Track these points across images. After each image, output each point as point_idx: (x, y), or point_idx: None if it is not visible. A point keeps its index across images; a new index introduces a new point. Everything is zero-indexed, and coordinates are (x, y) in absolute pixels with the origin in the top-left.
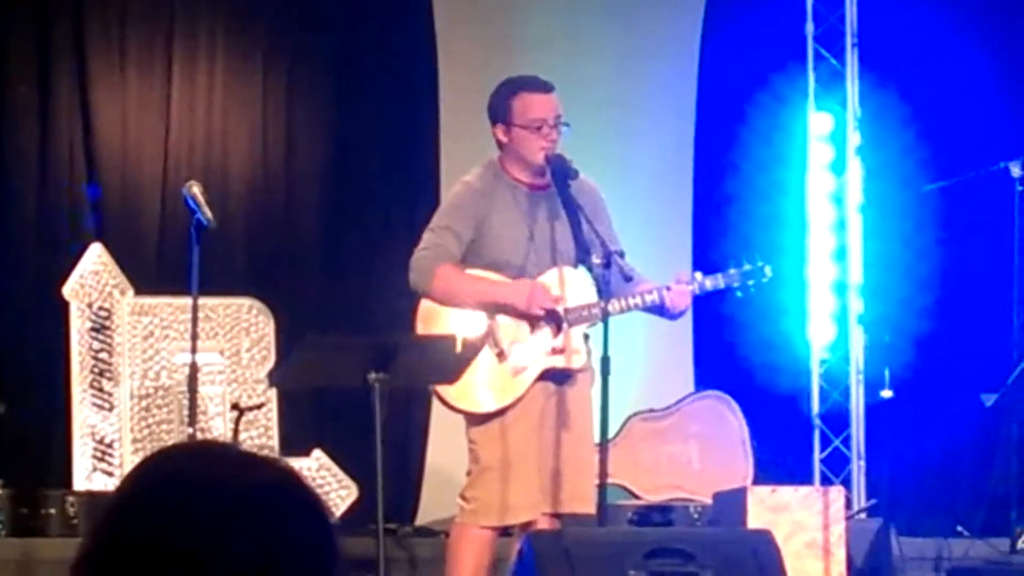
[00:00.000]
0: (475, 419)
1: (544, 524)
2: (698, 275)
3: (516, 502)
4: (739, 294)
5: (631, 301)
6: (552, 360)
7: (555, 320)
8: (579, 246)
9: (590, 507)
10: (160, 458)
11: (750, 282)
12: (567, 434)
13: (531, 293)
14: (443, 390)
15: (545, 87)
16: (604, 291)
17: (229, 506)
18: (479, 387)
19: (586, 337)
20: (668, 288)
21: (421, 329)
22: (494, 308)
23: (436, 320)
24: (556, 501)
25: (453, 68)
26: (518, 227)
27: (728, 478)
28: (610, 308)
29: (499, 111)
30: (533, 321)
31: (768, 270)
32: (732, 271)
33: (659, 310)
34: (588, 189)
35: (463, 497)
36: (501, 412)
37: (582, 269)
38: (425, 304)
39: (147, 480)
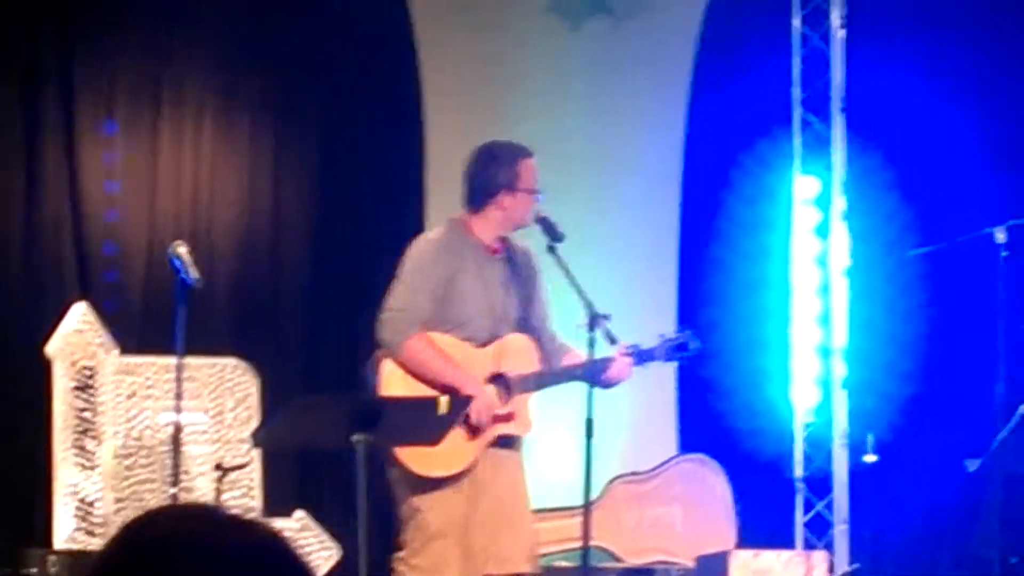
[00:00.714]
0: (420, 485)
1: None
2: (636, 345)
3: (459, 569)
4: (665, 361)
5: (572, 369)
6: (503, 428)
7: (505, 387)
8: (525, 313)
9: (533, 567)
10: (146, 520)
11: (680, 354)
12: (507, 498)
13: (486, 407)
14: (400, 451)
15: (532, 152)
16: (555, 349)
17: (217, 569)
18: (434, 451)
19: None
20: (613, 360)
21: (384, 383)
22: (450, 391)
23: (396, 378)
24: (500, 563)
25: (440, 132)
26: (479, 289)
27: (711, 541)
28: (553, 374)
29: (503, 178)
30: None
31: (693, 344)
32: (660, 344)
33: (596, 380)
34: (530, 259)
35: (405, 562)
36: (451, 479)
37: (526, 335)
38: (389, 363)
39: (133, 542)
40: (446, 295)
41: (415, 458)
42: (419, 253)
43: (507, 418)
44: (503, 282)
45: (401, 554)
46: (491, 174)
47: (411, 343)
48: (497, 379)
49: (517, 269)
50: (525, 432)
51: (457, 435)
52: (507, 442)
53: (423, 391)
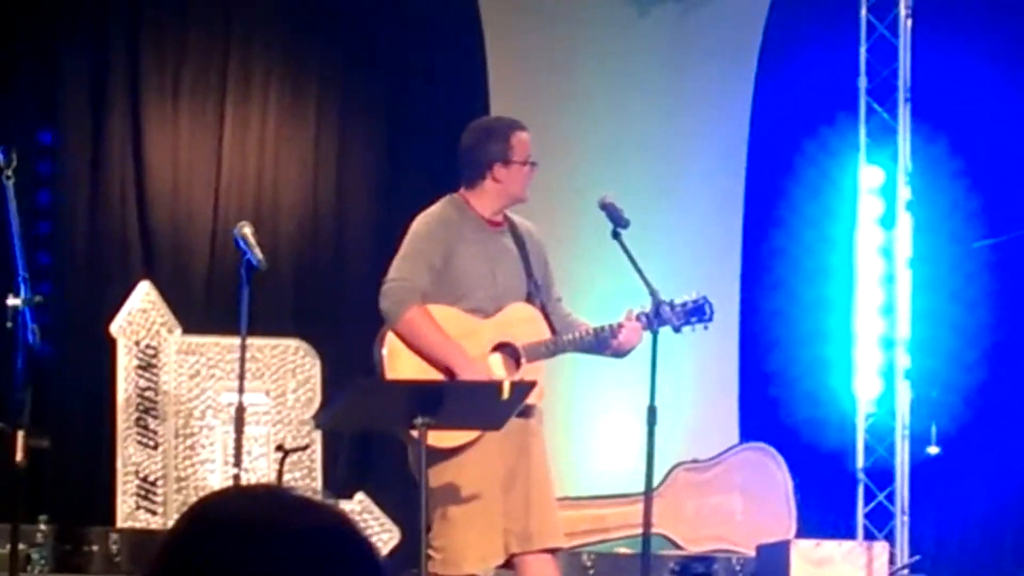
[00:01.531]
0: (437, 467)
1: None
2: (647, 310)
3: (482, 549)
4: (679, 331)
5: (583, 335)
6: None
7: (514, 356)
8: (532, 283)
9: (560, 539)
10: (213, 501)
11: (693, 319)
12: (526, 471)
13: (471, 374)
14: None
15: (524, 126)
16: (564, 321)
17: (285, 550)
18: None
19: None
20: (621, 326)
21: (387, 358)
22: (441, 368)
23: (404, 354)
24: (528, 539)
25: (505, 112)
26: (481, 261)
27: (771, 531)
28: (564, 342)
29: (496, 150)
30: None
31: (708, 308)
32: (678, 308)
33: (607, 346)
34: (537, 236)
35: (432, 547)
36: (459, 449)
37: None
38: (392, 343)
39: (202, 522)
40: (446, 268)
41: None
42: (418, 227)
43: None
44: (506, 255)
45: (429, 537)
46: (484, 148)
47: (409, 314)
48: (504, 348)
49: (521, 243)
50: (536, 400)
51: None
52: (520, 411)
53: (425, 370)
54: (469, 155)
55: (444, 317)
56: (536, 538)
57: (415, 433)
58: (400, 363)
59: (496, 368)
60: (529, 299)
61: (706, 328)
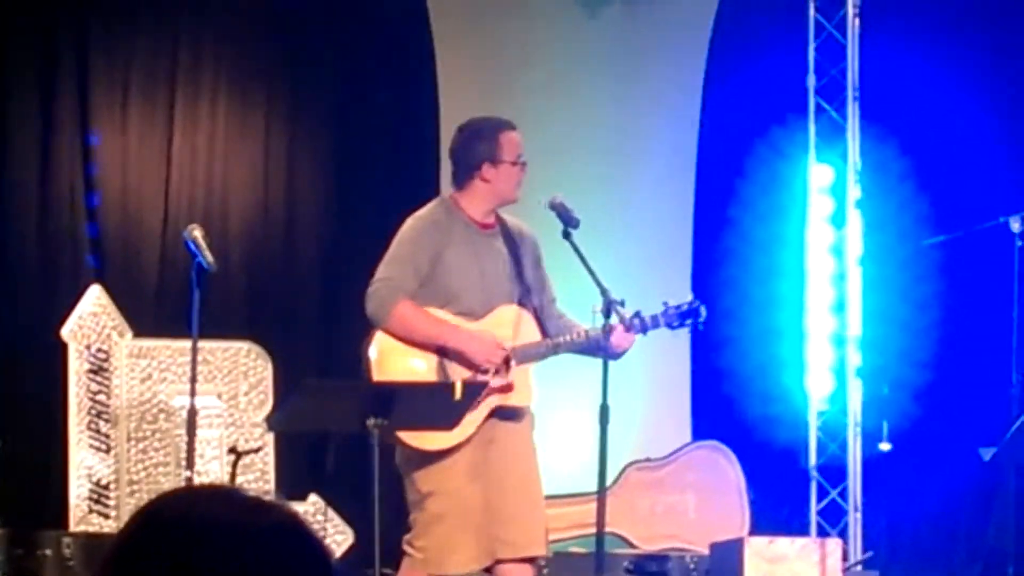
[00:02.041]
0: (417, 460)
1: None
2: (637, 314)
3: (465, 552)
4: (675, 326)
5: (575, 338)
6: (501, 398)
7: (504, 359)
8: (523, 286)
9: (543, 549)
10: (164, 501)
11: (687, 321)
12: (515, 475)
13: (488, 348)
14: None
15: (515, 125)
16: (556, 323)
17: (236, 550)
18: None
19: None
20: (612, 328)
21: (377, 368)
22: (448, 352)
23: (393, 355)
24: (514, 547)
25: (454, 114)
26: (470, 263)
27: (725, 528)
28: (555, 344)
29: (484, 150)
30: (480, 370)
31: (703, 310)
32: (670, 310)
33: (601, 349)
34: (529, 236)
35: (411, 544)
36: (450, 451)
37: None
38: (383, 338)
39: (153, 523)
40: (434, 272)
41: (414, 433)
42: (405, 230)
43: (506, 389)
44: (496, 257)
45: (408, 536)
46: (473, 148)
47: (397, 309)
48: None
49: (513, 245)
50: (526, 403)
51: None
52: (509, 414)
53: (415, 369)
54: (458, 156)
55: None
56: (521, 546)
57: (404, 436)
58: (389, 365)
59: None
60: (520, 302)
61: (700, 329)
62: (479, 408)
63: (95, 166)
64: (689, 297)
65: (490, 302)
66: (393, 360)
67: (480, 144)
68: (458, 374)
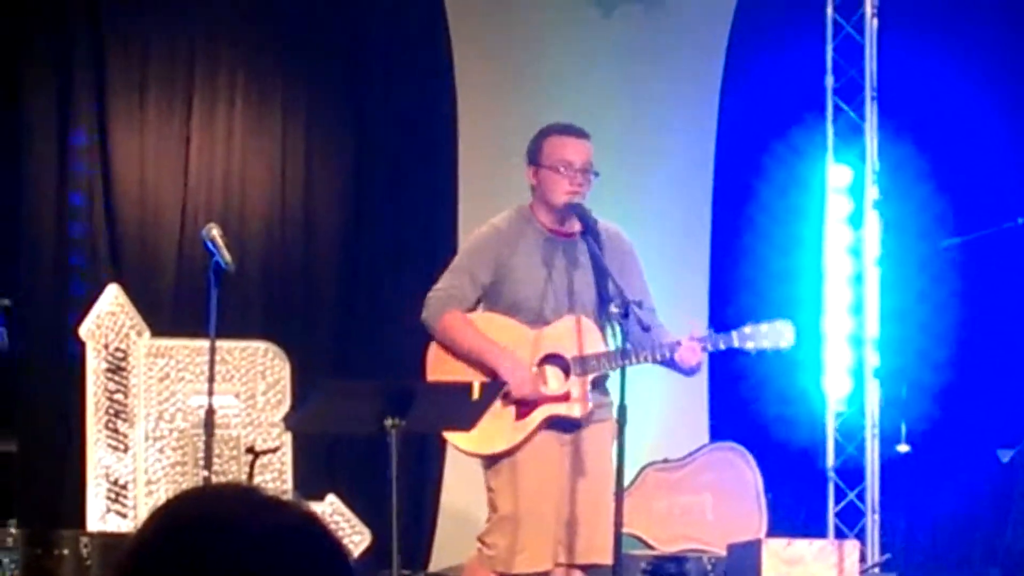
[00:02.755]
0: (486, 462)
1: (559, 574)
2: (710, 332)
3: (532, 552)
4: (754, 354)
5: (642, 356)
6: (555, 408)
7: (563, 368)
8: (600, 296)
9: (606, 557)
10: (183, 500)
11: (765, 343)
12: (583, 484)
13: (520, 378)
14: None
15: (578, 133)
16: (625, 341)
17: (252, 549)
18: (481, 428)
19: (598, 384)
20: (679, 343)
21: (430, 369)
22: (484, 369)
23: (445, 362)
24: (572, 552)
25: (471, 114)
26: (538, 271)
27: (742, 530)
28: (622, 361)
29: (532, 152)
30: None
31: (789, 333)
32: (747, 329)
33: (672, 364)
34: (616, 242)
35: (482, 541)
36: (505, 454)
37: (594, 320)
38: (436, 348)
39: (171, 521)
40: (500, 278)
41: (463, 434)
42: (473, 238)
43: (562, 398)
44: (571, 266)
45: (481, 532)
46: (527, 152)
47: (444, 320)
48: (554, 359)
49: (597, 254)
50: (579, 414)
51: (506, 414)
52: (566, 425)
53: (466, 373)
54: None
55: (493, 325)
56: (583, 553)
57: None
58: (439, 372)
59: (547, 378)
60: (600, 311)
61: (781, 353)
62: (532, 415)
63: (113, 166)
64: (777, 324)
65: (559, 310)
66: (441, 366)
67: (531, 147)
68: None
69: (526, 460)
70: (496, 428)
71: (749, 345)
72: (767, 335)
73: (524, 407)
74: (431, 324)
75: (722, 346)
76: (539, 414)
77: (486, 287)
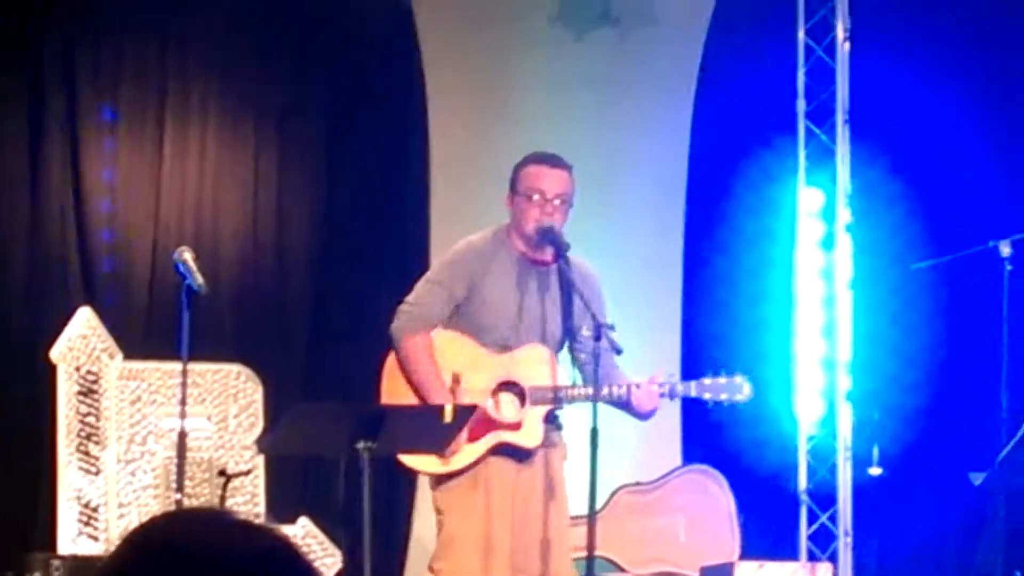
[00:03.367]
0: (434, 482)
1: None
2: (674, 378)
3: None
4: (710, 405)
5: (599, 393)
6: (507, 435)
7: (519, 396)
8: (566, 327)
9: None
10: (153, 525)
11: (723, 396)
12: (537, 509)
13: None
14: None
15: (554, 162)
16: (596, 369)
17: (227, 573)
18: None
19: (555, 419)
20: (637, 386)
21: (386, 377)
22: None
23: (399, 377)
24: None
25: (444, 139)
26: (508, 295)
27: (714, 552)
28: (574, 393)
29: (511, 179)
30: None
31: (747, 388)
32: (708, 380)
33: (627, 407)
34: (583, 271)
35: (431, 569)
36: (454, 474)
37: (554, 352)
38: (393, 360)
39: (143, 546)
40: (471, 298)
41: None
42: (451, 254)
43: (514, 427)
44: (541, 295)
45: (431, 559)
46: (510, 178)
47: (409, 341)
48: (511, 387)
49: (569, 286)
50: (531, 444)
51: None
52: (518, 454)
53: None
54: None
55: (455, 345)
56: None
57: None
58: (395, 383)
59: (504, 406)
60: (565, 340)
61: (735, 408)
62: (482, 440)
63: (85, 188)
64: (737, 379)
65: (523, 338)
66: (397, 378)
67: (511, 175)
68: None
69: (475, 482)
70: None
71: (707, 396)
72: (725, 388)
73: (476, 430)
74: (395, 339)
75: (679, 392)
76: (491, 439)
77: (459, 302)
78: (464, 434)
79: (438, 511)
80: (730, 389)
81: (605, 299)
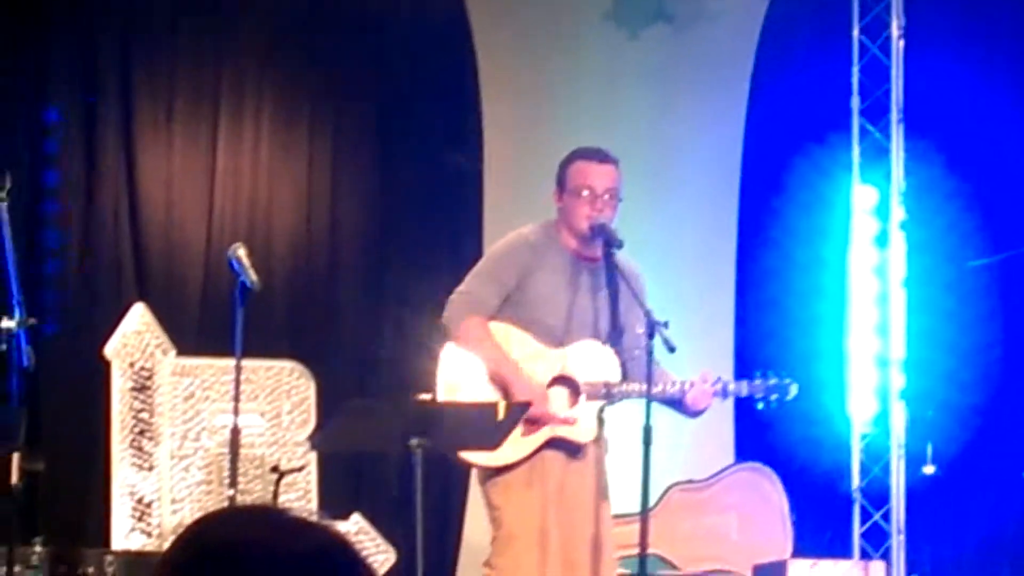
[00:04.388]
0: (488, 474)
1: None
2: (724, 377)
3: (540, 573)
4: (760, 406)
5: (652, 390)
6: (561, 430)
7: (574, 390)
8: (614, 324)
9: None
10: (209, 522)
11: (773, 396)
12: (584, 508)
13: (532, 397)
14: None
15: (601, 157)
16: (649, 364)
17: (282, 571)
18: None
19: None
20: (691, 384)
21: (442, 373)
22: (496, 380)
23: (456, 368)
24: (568, 571)
25: (497, 133)
26: (559, 291)
27: (767, 551)
28: (628, 389)
29: (558, 176)
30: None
31: (794, 388)
32: (757, 381)
33: (678, 405)
34: (633, 271)
35: (488, 564)
36: (507, 468)
37: (609, 347)
38: (449, 352)
39: (197, 544)
40: (522, 291)
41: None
42: (501, 245)
43: (568, 422)
44: (592, 291)
45: (488, 556)
46: (557, 174)
47: (464, 325)
48: (565, 382)
49: (616, 282)
50: (585, 439)
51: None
52: (571, 449)
53: (476, 383)
54: None
55: (511, 336)
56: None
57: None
58: (449, 375)
59: (555, 399)
60: (612, 339)
61: (783, 407)
62: (537, 434)
63: (140, 186)
64: (787, 381)
65: (573, 333)
66: (458, 372)
67: (558, 171)
68: (524, 395)
69: (530, 477)
70: None
71: (757, 395)
72: (775, 388)
73: (531, 424)
74: (450, 327)
75: (731, 391)
76: (545, 433)
77: (511, 294)
78: (519, 429)
79: (493, 507)
80: (779, 390)
81: (647, 296)
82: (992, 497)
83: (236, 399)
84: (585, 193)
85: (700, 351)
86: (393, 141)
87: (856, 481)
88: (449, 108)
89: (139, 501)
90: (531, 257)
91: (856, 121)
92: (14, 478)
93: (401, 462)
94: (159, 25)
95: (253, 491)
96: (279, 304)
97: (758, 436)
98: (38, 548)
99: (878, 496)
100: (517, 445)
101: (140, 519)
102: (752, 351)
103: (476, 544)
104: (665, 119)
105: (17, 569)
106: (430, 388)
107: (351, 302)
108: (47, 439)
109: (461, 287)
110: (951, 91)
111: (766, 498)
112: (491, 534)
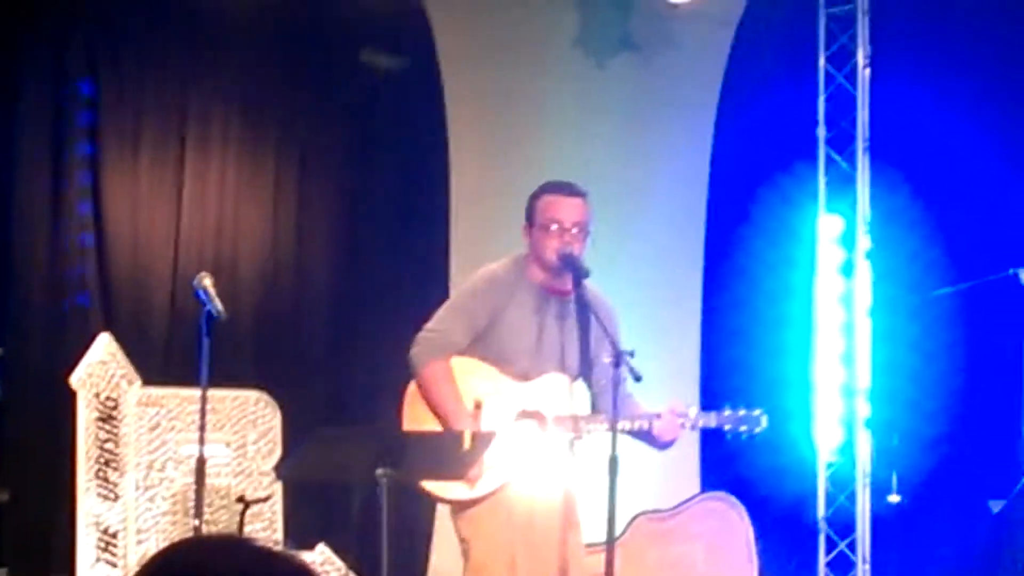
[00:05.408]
0: (464, 515)
1: None
2: (692, 409)
3: None
4: (728, 437)
5: (620, 425)
6: (527, 464)
7: (541, 424)
8: (583, 357)
9: None
10: (175, 551)
11: (743, 428)
12: (552, 539)
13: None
14: None
15: (570, 191)
16: (614, 394)
17: None
18: None
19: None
20: (659, 416)
21: (407, 407)
22: (445, 425)
23: (421, 404)
24: None
25: (464, 163)
26: (527, 325)
27: None
28: (595, 424)
29: (527, 210)
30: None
31: (764, 420)
32: (727, 412)
33: (647, 436)
34: (602, 302)
35: None
36: (475, 502)
37: (578, 381)
38: (414, 388)
39: (166, 572)
40: (492, 328)
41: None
42: (472, 283)
43: (535, 454)
44: (560, 326)
45: None
46: (525, 208)
47: (428, 367)
48: (532, 416)
49: (587, 318)
50: (551, 473)
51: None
52: (537, 480)
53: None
54: None
55: (478, 371)
56: None
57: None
58: (415, 415)
59: (522, 432)
60: (583, 373)
61: (752, 439)
62: (504, 468)
63: (105, 214)
64: (756, 412)
65: (543, 368)
66: (423, 408)
67: (527, 206)
68: (493, 428)
69: (496, 508)
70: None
71: (727, 427)
72: (744, 420)
73: (497, 458)
74: (415, 366)
75: (700, 424)
76: (510, 468)
77: (479, 332)
78: (487, 461)
79: (463, 539)
80: (749, 421)
81: (619, 328)
82: (957, 525)
83: (202, 429)
84: (554, 227)
85: (666, 380)
86: (360, 170)
87: (822, 510)
88: (416, 138)
89: (105, 531)
90: (502, 295)
91: (822, 150)
92: None
93: (367, 491)
94: (126, 50)
95: (219, 521)
96: (245, 333)
97: (724, 465)
98: None
99: (844, 525)
100: (482, 479)
101: (105, 549)
102: (718, 380)
103: (443, 574)
104: (632, 147)
105: None
106: (397, 419)
107: (317, 331)
108: (12, 469)
109: (431, 324)
110: (916, 121)
111: (732, 527)
112: (463, 565)
